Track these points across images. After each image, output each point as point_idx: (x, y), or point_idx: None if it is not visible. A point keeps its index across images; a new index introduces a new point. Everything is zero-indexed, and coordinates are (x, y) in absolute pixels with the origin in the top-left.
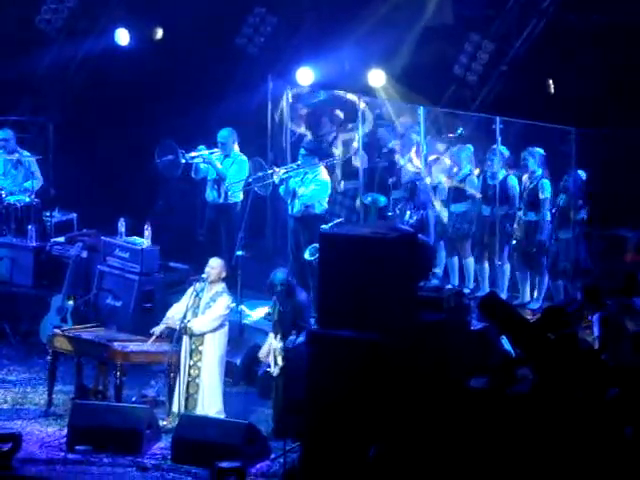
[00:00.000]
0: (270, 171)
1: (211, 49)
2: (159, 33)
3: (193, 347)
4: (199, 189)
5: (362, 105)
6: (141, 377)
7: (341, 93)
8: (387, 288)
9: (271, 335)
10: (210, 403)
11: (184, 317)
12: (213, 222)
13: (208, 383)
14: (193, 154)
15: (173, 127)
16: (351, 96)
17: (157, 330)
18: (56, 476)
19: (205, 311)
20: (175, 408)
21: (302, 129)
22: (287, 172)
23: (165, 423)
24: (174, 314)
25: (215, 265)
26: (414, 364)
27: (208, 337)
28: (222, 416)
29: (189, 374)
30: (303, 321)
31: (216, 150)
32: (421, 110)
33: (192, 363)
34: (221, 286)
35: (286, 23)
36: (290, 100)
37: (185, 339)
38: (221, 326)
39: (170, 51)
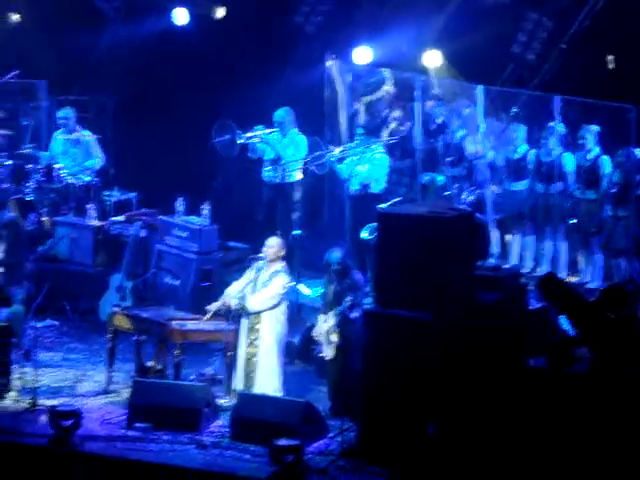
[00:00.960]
0: (327, 150)
1: (269, 28)
2: (220, 12)
3: (251, 325)
4: (257, 168)
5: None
6: (199, 356)
7: (398, 72)
8: (444, 267)
9: (321, 317)
10: (267, 381)
11: (242, 295)
12: (270, 201)
13: (265, 361)
14: (250, 134)
15: (231, 106)
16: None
17: (213, 307)
18: (116, 453)
19: (262, 290)
20: (234, 386)
21: (359, 108)
22: (345, 151)
23: (223, 401)
24: (232, 292)
25: (273, 244)
26: (471, 344)
27: (265, 315)
28: (280, 395)
29: (247, 352)
30: (358, 298)
31: (273, 130)
32: (479, 89)
33: (250, 341)
34: (279, 265)
35: (344, 2)
36: (348, 79)
37: (244, 317)
38: (278, 305)
39: (228, 31)
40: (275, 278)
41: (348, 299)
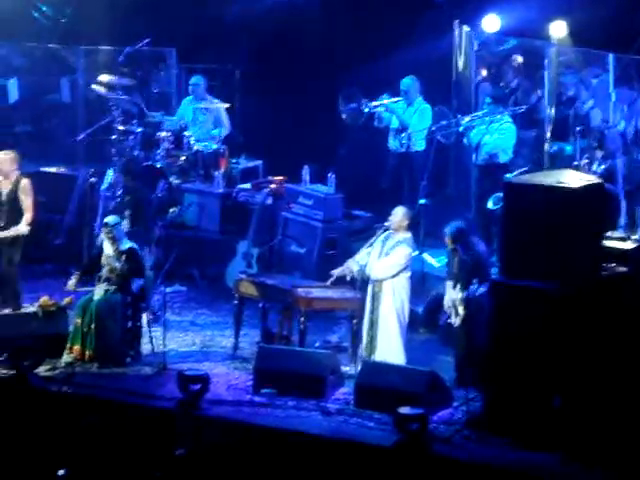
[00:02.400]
0: (454, 119)
1: None
2: None
3: (373, 293)
4: (382, 137)
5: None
6: (325, 323)
7: (527, 41)
8: (572, 239)
9: (449, 284)
10: (388, 349)
11: (365, 263)
12: (395, 170)
13: (386, 329)
14: (376, 102)
15: (357, 75)
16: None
17: (336, 272)
18: (242, 417)
19: (384, 258)
20: (359, 354)
21: (486, 76)
22: (472, 121)
23: (348, 369)
24: (357, 259)
25: (398, 213)
26: (598, 316)
27: (386, 284)
28: (401, 362)
29: (369, 319)
30: (484, 272)
31: (399, 98)
32: (610, 58)
33: (372, 309)
34: (404, 235)
35: None
36: (476, 47)
37: (370, 285)
38: (398, 274)
39: (354, 1)
40: (398, 247)
41: (474, 281)
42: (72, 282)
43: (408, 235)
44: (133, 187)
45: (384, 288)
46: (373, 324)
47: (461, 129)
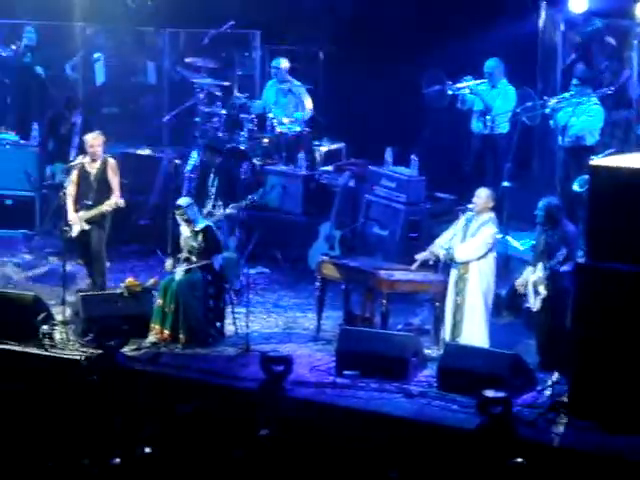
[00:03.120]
0: (541, 101)
1: None
2: None
3: (459, 275)
4: (465, 119)
5: None
6: (407, 305)
7: (614, 21)
8: None
9: (529, 268)
10: (473, 332)
11: (449, 246)
12: (479, 153)
13: (472, 312)
14: (459, 84)
15: (441, 57)
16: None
17: (421, 256)
18: (325, 399)
19: (469, 240)
20: (441, 336)
21: (573, 57)
22: (559, 102)
23: (430, 351)
24: (440, 242)
25: (482, 195)
26: None
27: (473, 265)
28: (485, 346)
29: (454, 302)
30: (571, 250)
31: (483, 80)
32: None
33: (457, 291)
34: (488, 216)
35: None
36: (562, 28)
37: (453, 268)
38: (485, 255)
39: None
40: (483, 228)
41: (562, 252)
42: (169, 262)
43: (492, 215)
44: (221, 166)
45: (470, 270)
46: (458, 307)
47: (547, 111)
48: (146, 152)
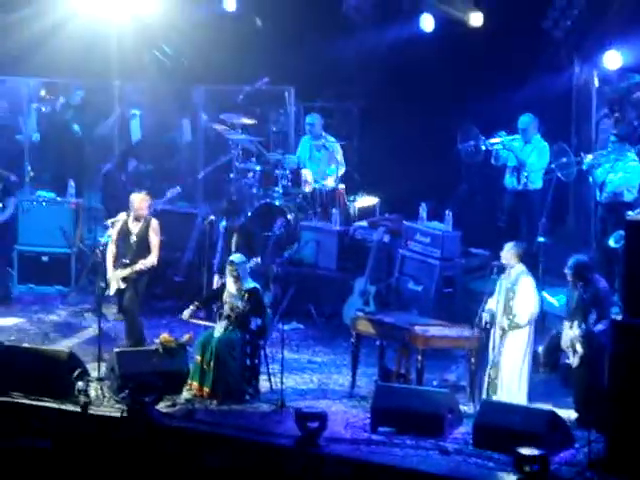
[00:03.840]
0: (578, 158)
1: (516, 33)
2: (475, 18)
3: (500, 331)
4: (500, 175)
5: None
6: (442, 361)
7: None
8: None
9: (566, 324)
10: (512, 389)
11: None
12: (513, 208)
13: (511, 368)
14: (494, 140)
15: (475, 112)
16: None
17: (483, 320)
18: (361, 456)
19: (508, 294)
20: (477, 393)
21: (608, 113)
22: (596, 159)
23: (466, 408)
24: (488, 307)
25: (506, 248)
26: None
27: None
28: (524, 402)
29: (494, 358)
30: (603, 309)
31: (517, 136)
32: None
33: (495, 346)
34: (521, 267)
35: (594, 5)
36: (597, 84)
37: (496, 325)
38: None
39: (473, 36)
40: (521, 280)
41: (593, 315)
42: (187, 312)
43: (523, 267)
44: (242, 227)
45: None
46: (496, 364)
47: (585, 167)
48: (181, 208)
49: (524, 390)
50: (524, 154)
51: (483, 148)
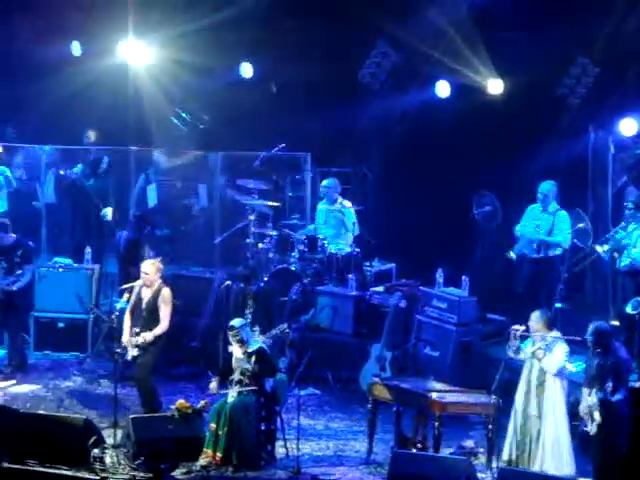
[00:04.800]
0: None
1: (531, 100)
2: (495, 86)
3: (535, 399)
4: (517, 241)
5: None
6: (459, 427)
7: None
8: None
9: (585, 391)
10: (556, 457)
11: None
12: (531, 275)
13: (554, 436)
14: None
15: (491, 177)
16: None
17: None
18: None
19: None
20: (494, 460)
21: (626, 180)
22: (612, 241)
23: (484, 475)
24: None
25: (534, 319)
26: None
27: (550, 386)
28: (571, 473)
29: (527, 427)
30: (622, 378)
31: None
32: None
33: (529, 415)
34: (553, 334)
35: (609, 73)
36: (612, 151)
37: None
38: (563, 375)
39: (489, 102)
40: (556, 346)
41: (608, 384)
42: (214, 385)
43: (557, 334)
44: (259, 292)
45: (548, 389)
46: (532, 432)
47: (606, 257)
48: (198, 273)
49: (568, 459)
50: (545, 222)
51: (500, 214)
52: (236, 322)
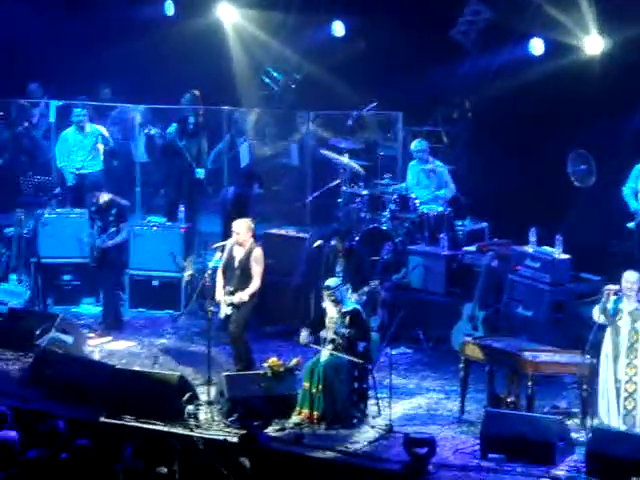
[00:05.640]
0: None
1: (630, 58)
2: (593, 45)
3: (628, 361)
4: (610, 198)
5: None
6: (553, 388)
7: None
8: None
9: None
10: None
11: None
12: (629, 232)
13: None
14: None
15: (587, 138)
16: None
17: None
18: None
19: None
20: (589, 420)
21: None
22: None
23: (578, 435)
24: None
25: (630, 279)
26: None
27: None
28: None
29: (625, 390)
30: None
31: None
32: None
33: (627, 378)
34: None
35: None
36: None
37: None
38: None
39: (583, 63)
40: None
41: None
42: (304, 335)
43: None
44: (350, 251)
45: None
46: (631, 394)
47: None
48: (289, 232)
49: None
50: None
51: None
52: (331, 282)
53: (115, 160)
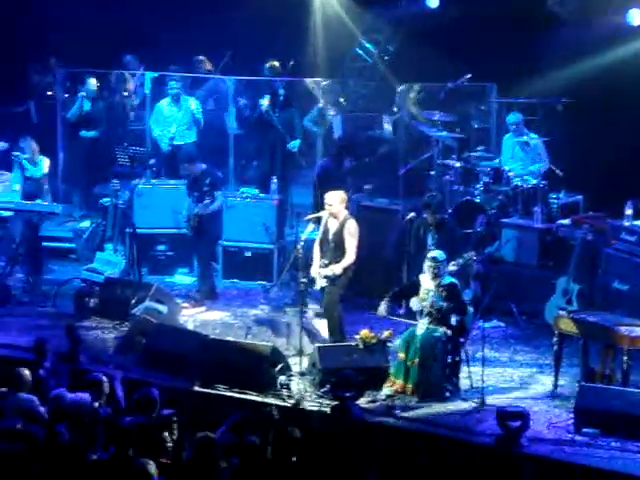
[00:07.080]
0: None
1: None
2: None
3: None
4: None
5: None
6: None
7: None
8: None
9: None
10: None
11: None
12: None
13: None
14: None
15: None
16: None
17: None
18: (563, 457)
19: None
20: None
21: None
22: None
23: None
24: None
25: None
26: None
27: None
28: None
29: None
30: None
31: None
32: None
33: None
34: None
35: None
36: None
37: None
38: None
39: None
40: None
41: None
42: (382, 308)
43: None
44: (442, 223)
45: None
46: None
47: None
48: (382, 204)
49: None
50: None
51: None
52: (439, 254)
53: (208, 131)
